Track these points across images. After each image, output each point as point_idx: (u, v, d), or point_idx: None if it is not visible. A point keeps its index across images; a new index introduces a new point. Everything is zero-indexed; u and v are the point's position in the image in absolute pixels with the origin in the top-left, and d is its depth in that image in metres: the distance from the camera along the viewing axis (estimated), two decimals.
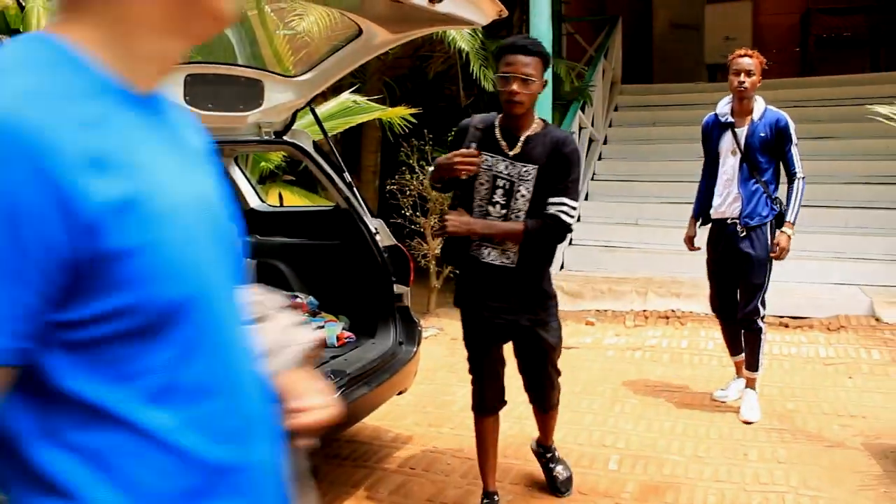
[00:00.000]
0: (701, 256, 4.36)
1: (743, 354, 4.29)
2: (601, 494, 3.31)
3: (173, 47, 0.90)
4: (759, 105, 4.07)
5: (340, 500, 3.33)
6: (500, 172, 2.86)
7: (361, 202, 3.82)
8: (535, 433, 3.38)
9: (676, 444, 3.80)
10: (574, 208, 2.86)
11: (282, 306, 1.32)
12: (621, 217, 7.75)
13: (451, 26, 4.60)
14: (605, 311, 6.46)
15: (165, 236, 0.83)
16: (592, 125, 8.47)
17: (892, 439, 3.74)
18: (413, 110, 6.54)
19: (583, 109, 8.03)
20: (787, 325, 5.81)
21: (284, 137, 3.77)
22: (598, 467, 3.56)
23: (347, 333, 3.87)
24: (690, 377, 4.83)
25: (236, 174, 4.54)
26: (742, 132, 4.04)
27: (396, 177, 6.93)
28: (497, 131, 2.90)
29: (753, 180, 4.03)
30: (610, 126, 9.42)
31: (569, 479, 3.33)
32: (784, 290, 5.34)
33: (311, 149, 3.84)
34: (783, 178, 4.10)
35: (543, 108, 5.68)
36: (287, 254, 4.38)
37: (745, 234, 4.04)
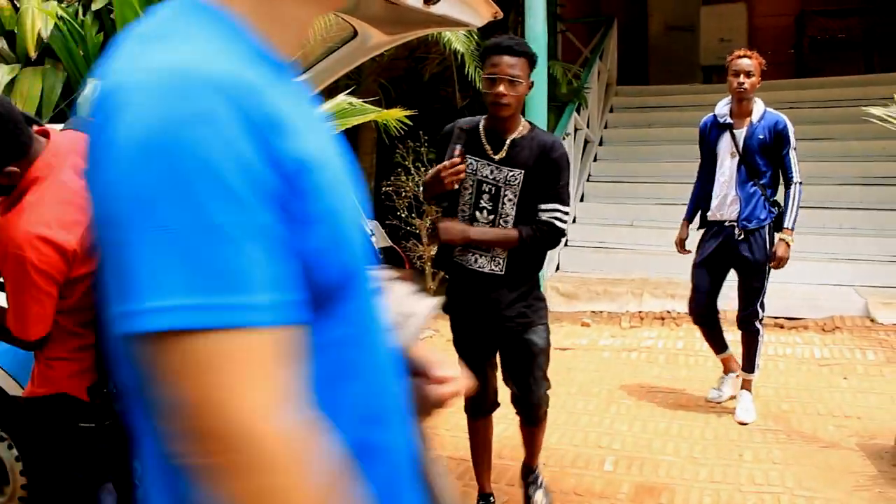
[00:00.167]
0: None
1: (729, 351, 4.29)
2: (596, 496, 3.31)
3: (311, 13, 0.87)
4: (758, 107, 4.05)
5: None
6: (486, 177, 2.81)
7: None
8: None
9: (672, 446, 3.81)
10: (566, 213, 2.83)
11: (394, 277, 1.25)
12: (617, 218, 7.75)
13: (446, 28, 4.60)
14: (601, 312, 6.47)
15: (336, 205, 0.79)
16: (588, 127, 8.47)
17: (887, 440, 3.75)
18: (409, 112, 6.54)
19: (578, 111, 8.03)
20: (782, 326, 5.82)
21: None
22: (594, 468, 3.56)
23: None
24: (686, 378, 4.84)
25: None
26: (741, 134, 4.03)
27: (392, 178, 6.93)
28: (482, 134, 2.84)
29: (751, 183, 4.01)
30: (605, 127, 9.43)
31: None
32: (779, 291, 5.34)
33: None
34: (782, 180, 4.08)
35: (539, 109, 5.68)
36: None
37: (742, 237, 4.02)
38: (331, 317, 0.79)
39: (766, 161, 4.00)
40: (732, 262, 4.11)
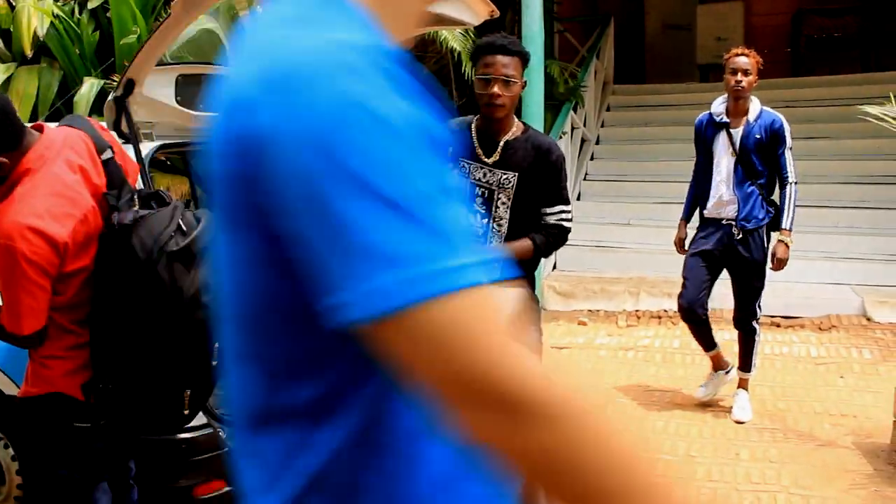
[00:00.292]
0: None
1: (717, 348, 4.27)
2: None
3: (423, 5, 0.86)
4: (754, 105, 4.03)
5: None
6: (479, 180, 2.76)
7: None
8: None
9: (668, 444, 3.81)
10: (570, 211, 2.84)
11: None
12: (613, 217, 7.75)
13: (442, 27, 4.59)
14: (598, 311, 6.47)
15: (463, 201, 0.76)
16: (584, 125, 8.47)
17: (883, 438, 3.75)
18: None
19: (575, 110, 8.03)
20: (778, 325, 5.82)
21: None
22: None
23: None
24: (682, 377, 4.84)
25: None
26: (737, 133, 4.00)
27: None
28: (474, 136, 2.79)
29: (749, 182, 3.99)
30: (602, 126, 9.43)
31: None
32: (775, 289, 5.34)
33: None
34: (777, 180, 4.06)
35: (536, 108, 5.68)
36: None
37: (741, 237, 4.00)
38: None
39: (763, 160, 3.98)
40: (729, 262, 4.08)
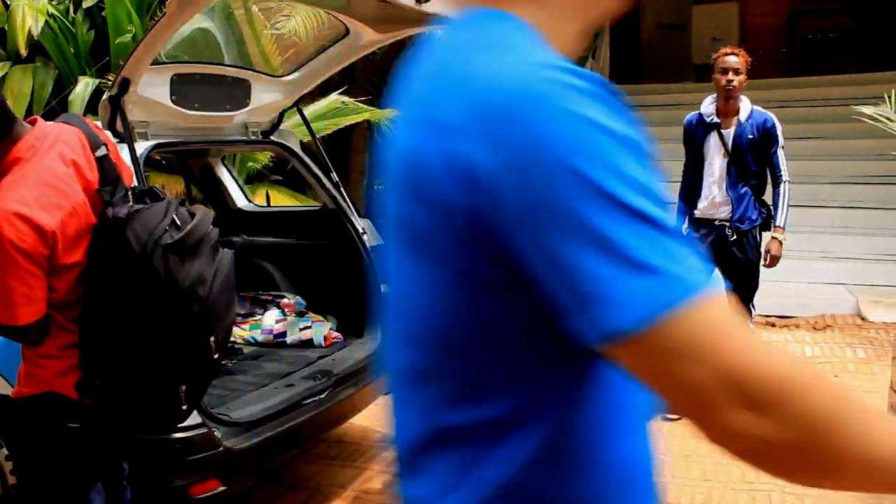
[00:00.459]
0: None
1: None
2: None
3: (581, 28, 0.88)
4: (745, 105, 4.02)
5: (328, 501, 3.33)
6: None
7: (349, 202, 3.82)
8: None
9: (663, 443, 3.81)
10: None
11: None
12: None
13: (438, 26, 4.59)
14: None
15: None
16: None
17: None
18: None
19: None
20: (773, 325, 5.83)
21: (271, 137, 3.76)
22: None
23: (335, 334, 3.86)
24: None
25: (223, 174, 4.53)
26: (729, 133, 4.00)
27: (384, 177, 6.90)
28: None
29: (742, 183, 3.99)
30: None
31: None
32: (770, 289, 5.35)
33: (298, 149, 3.83)
34: (770, 179, 4.07)
35: None
36: (274, 254, 4.37)
37: (735, 238, 4.00)
38: None
39: (756, 160, 3.98)
40: (723, 263, 4.07)
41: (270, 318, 3.99)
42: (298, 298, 4.19)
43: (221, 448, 2.64)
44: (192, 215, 2.17)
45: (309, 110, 5.53)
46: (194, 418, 2.54)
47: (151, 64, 2.89)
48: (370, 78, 8.14)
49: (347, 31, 3.40)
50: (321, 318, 4.02)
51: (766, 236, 4.07)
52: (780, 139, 3.97)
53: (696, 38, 11.58)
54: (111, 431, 2.29)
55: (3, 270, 1.93)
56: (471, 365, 0.78)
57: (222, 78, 3.42)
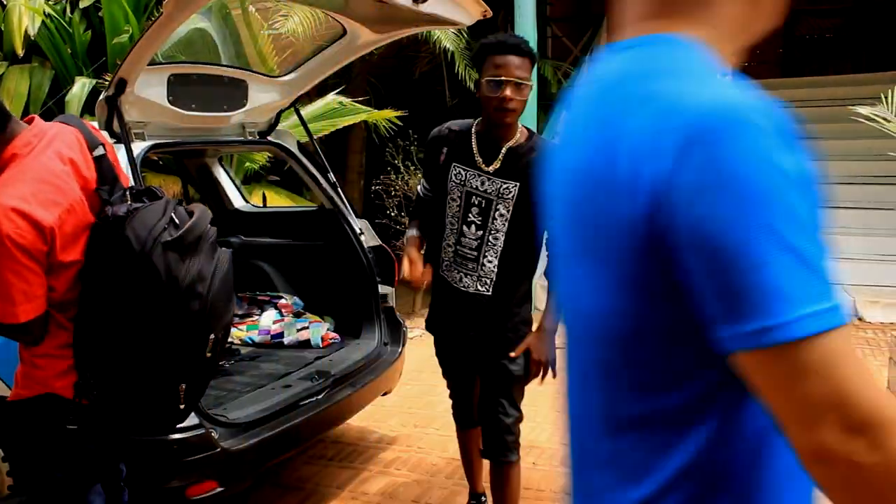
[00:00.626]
0: None
1: None
2: None
3: (743, 45, 0.95)
4: None
5: (326, 501, 3.32)
6: (475, 189, 2.55)
7: (346, 203, 3.82)
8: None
9: None
10: None
11: None
12: None
13: (435, 27, 4.60)
14: None
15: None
16: None
17: None
18: (399, 112, 6.54)
19: None
20: None
21: (269, 138, 3.76)
22: None
23: (332, 334, 3.86)
24: None
25: (220, 174, 4.53)
26: None
27: (381, 177, 6.92)
28: (473, 142, 2.58)
29: None
30: None
31: None
32: None
33: (295, 149, 3.83)
34: None
35: (529, 109, 5.66)
36: (272, 254, 4.37)
37: None
38: None
39: None
40: None
41: (268, 319, 3.99)
42: (296, 299, 4.19)
43: (219, 449, 2.64)
44: (191, 214, 2.17)
45: (306, 111, 5.53)
46: (192, 419, 2.54)
47: (148, 64, 2.88)
48: (367, 78, 8.15)
49: (345, 32, 3.40)
50: (318, 318, 4.02)
51: None
52: None
53: None
54: (109, 432, 2.28)
55: (2, 266, 1.91)
56: (656, 360, 0.86)
57: (219, 78, 3.42)
